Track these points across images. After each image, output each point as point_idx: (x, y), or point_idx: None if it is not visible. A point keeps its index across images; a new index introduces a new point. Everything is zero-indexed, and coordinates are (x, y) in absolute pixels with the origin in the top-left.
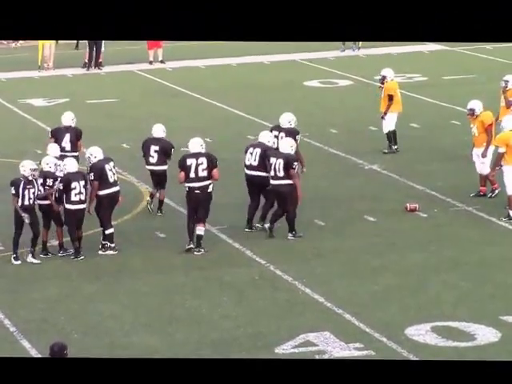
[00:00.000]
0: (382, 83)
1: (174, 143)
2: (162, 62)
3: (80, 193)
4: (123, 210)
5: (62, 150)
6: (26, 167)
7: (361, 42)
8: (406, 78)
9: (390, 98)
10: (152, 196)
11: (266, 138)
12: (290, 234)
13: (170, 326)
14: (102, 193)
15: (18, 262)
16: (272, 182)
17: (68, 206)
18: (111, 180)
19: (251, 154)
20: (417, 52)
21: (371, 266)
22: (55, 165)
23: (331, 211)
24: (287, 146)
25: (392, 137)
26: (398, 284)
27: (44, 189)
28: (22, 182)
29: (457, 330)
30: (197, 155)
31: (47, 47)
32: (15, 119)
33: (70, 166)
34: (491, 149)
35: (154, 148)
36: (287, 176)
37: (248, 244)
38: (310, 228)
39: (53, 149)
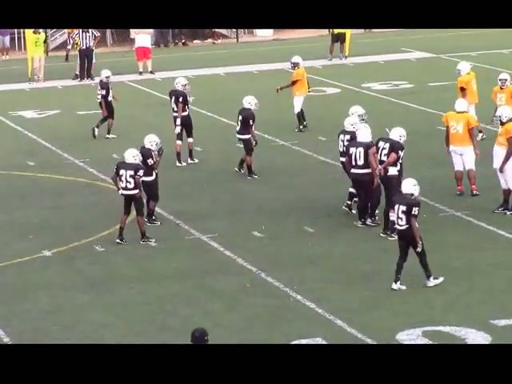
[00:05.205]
0: (294, 69)
1: (163, 153)
2: (151, 72)
3: (127, 181)
4: (115, 219)
5: (173, 110)
6: None
7: (347, 51)
8: (392, 85)
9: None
10: (242, 162)
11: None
12: (369, 220)
13: (162, 334)
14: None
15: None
16: (352, 171)
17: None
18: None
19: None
20: (403, 60)
21: (361, 271)
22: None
23: (321, 218)
24: (366, 134)
25: (301, 117)
26: (389, 289)
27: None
28: None
29: (448, 335)
30: None
31: (37, 60)
32: (6, 131)
33: (126, 155)
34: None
35: (239, 118)
36: (367, 164)
37: (239, 252)
38: (300, 235)
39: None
